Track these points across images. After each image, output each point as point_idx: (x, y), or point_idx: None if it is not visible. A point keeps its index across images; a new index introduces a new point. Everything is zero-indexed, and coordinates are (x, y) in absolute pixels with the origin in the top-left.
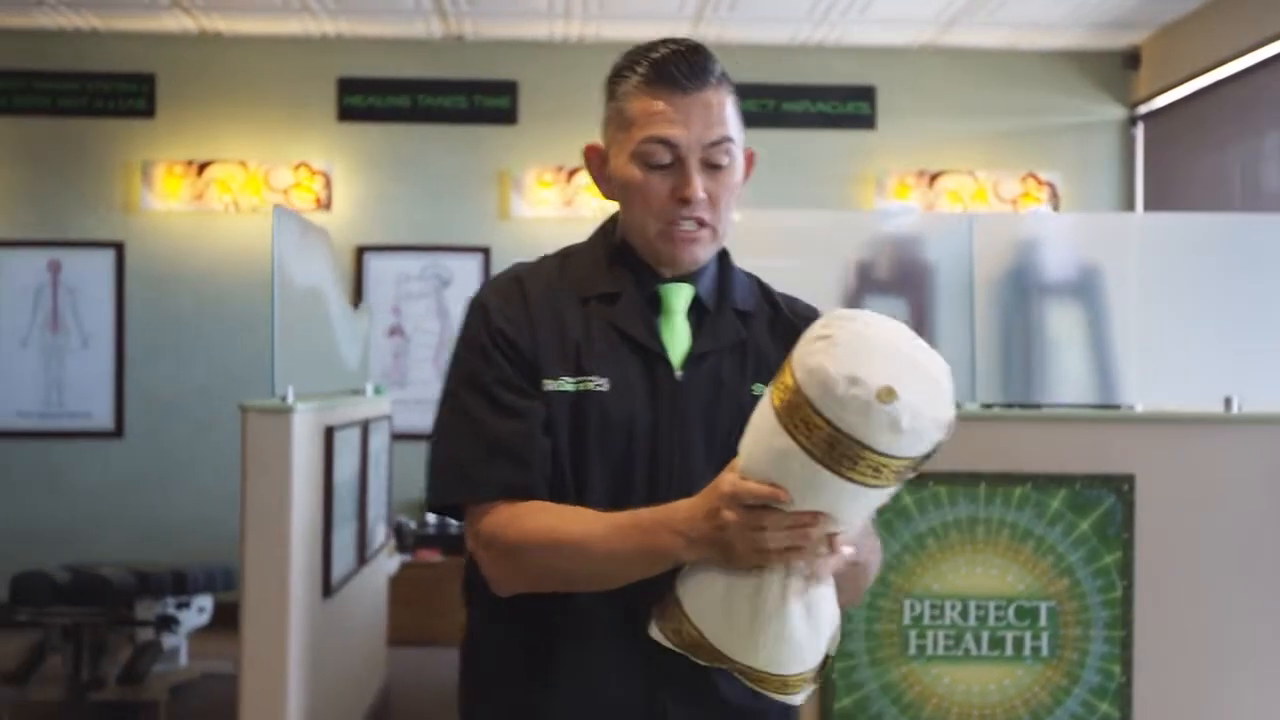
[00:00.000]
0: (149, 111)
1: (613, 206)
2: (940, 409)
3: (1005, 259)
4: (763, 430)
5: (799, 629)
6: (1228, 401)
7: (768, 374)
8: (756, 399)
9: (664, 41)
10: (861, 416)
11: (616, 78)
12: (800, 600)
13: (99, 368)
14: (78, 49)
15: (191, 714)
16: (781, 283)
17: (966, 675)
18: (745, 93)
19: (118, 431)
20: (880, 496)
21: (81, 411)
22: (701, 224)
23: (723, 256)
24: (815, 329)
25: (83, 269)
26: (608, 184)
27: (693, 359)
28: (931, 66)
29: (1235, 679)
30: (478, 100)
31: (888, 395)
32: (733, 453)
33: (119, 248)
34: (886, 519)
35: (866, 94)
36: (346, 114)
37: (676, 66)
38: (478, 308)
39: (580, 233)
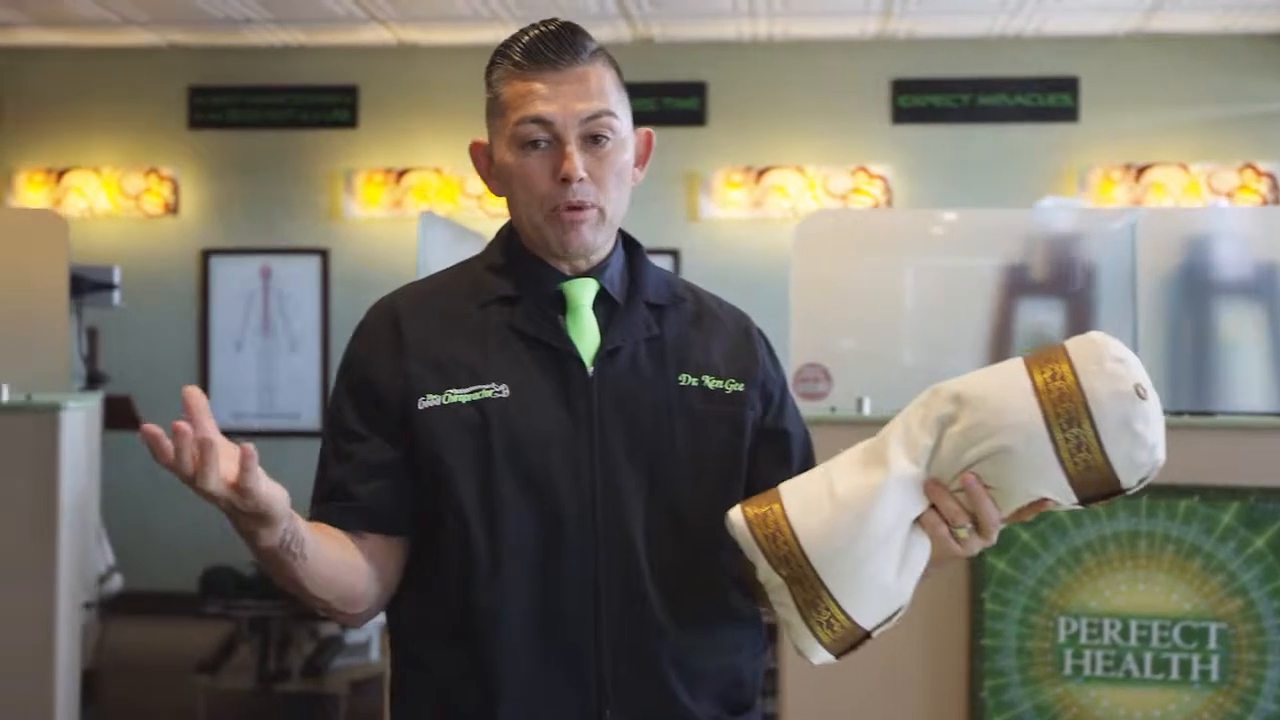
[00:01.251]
0: (351, 122)
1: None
2: (1159, 450)
3: (1172, 257)
4: (1016, 403)
5: (888, 571)
6: None
7: (692, 365)
8: (681, 389)
9: (536, 24)
10: (1115, 401)
11: (491, 66)
12: (904, 546)
13: (306, 370)
14: (285, 64)
15: (372, 709)
16: (929, 285)
17: (1127, 699)
18: (939, 88)
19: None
20: (1046, 488)
21: (290, 412)
22: (586, 204)
23: (634, 249)
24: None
25: (291, 274)
26: (495, 180)
27: (605, 354)
28: (1137, 54)
29: None
30: (666, 102)
31: (1143, 391)
32: (660, 447)
33: (324, 254)
34: (1040, 530)
35: (1069, 85)
36: None
37: (545, 45)
38: (349, 345)
39: (769, 233)
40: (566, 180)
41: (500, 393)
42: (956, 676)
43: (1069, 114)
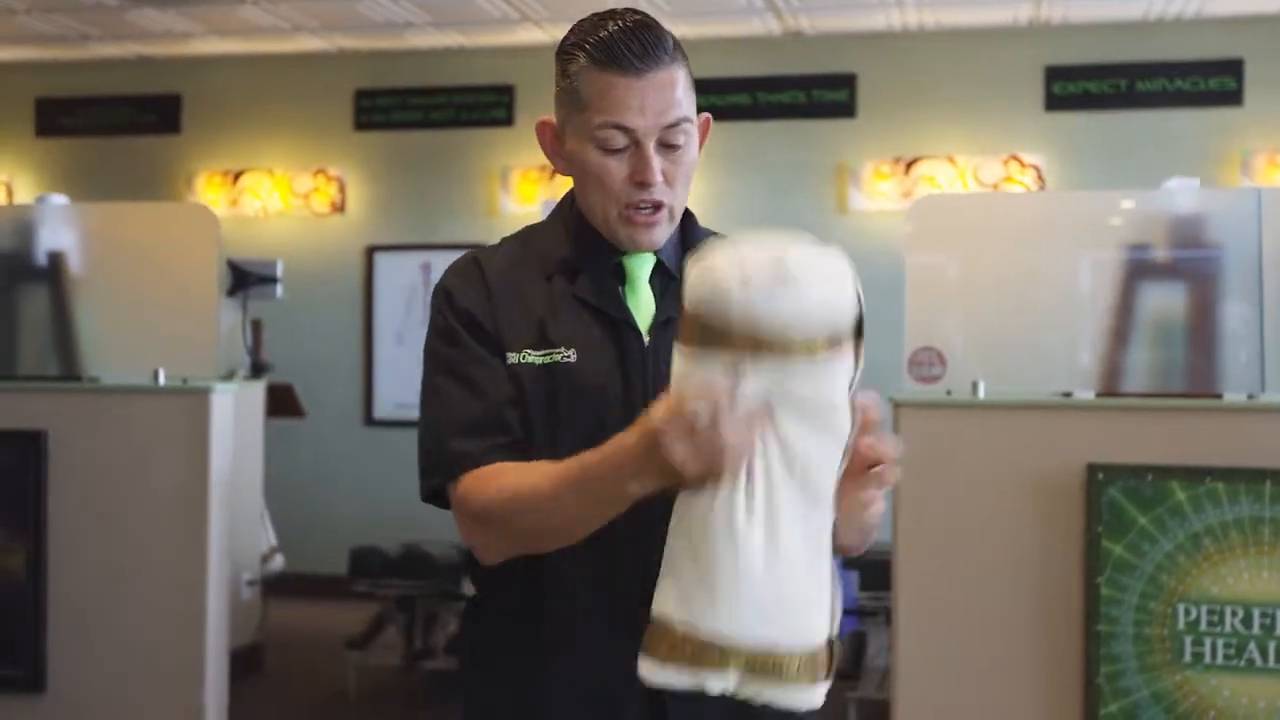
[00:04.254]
0: (508, 120)
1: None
2: (818, 269)
3: None
4: (676, 364)
5: (759, 570)
6: None
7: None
8: None
9: (612, 15)
10: (718, 282)
11: (565, 54)
12: (766, 538)
13: None
14: (444, 66)
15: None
16: (1047, 268)
17: (1251, 688)
18: (1095, 73)
19: None
20: (829, 372)
21: None
22: (658, 206)
23: (687, 219)
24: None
25: None
26: (564, 161)
27: (659, 324)
28: None
29: None
30: (815, 94)
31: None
32: None
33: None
34: (1158, 515)
35: (1233, 67)
36: None
37: (628, 46)
38: (440, 292)
39: None
40: (645, 184)
41: (568, 358)
42: (1072, 662)
43: (1233, 97)
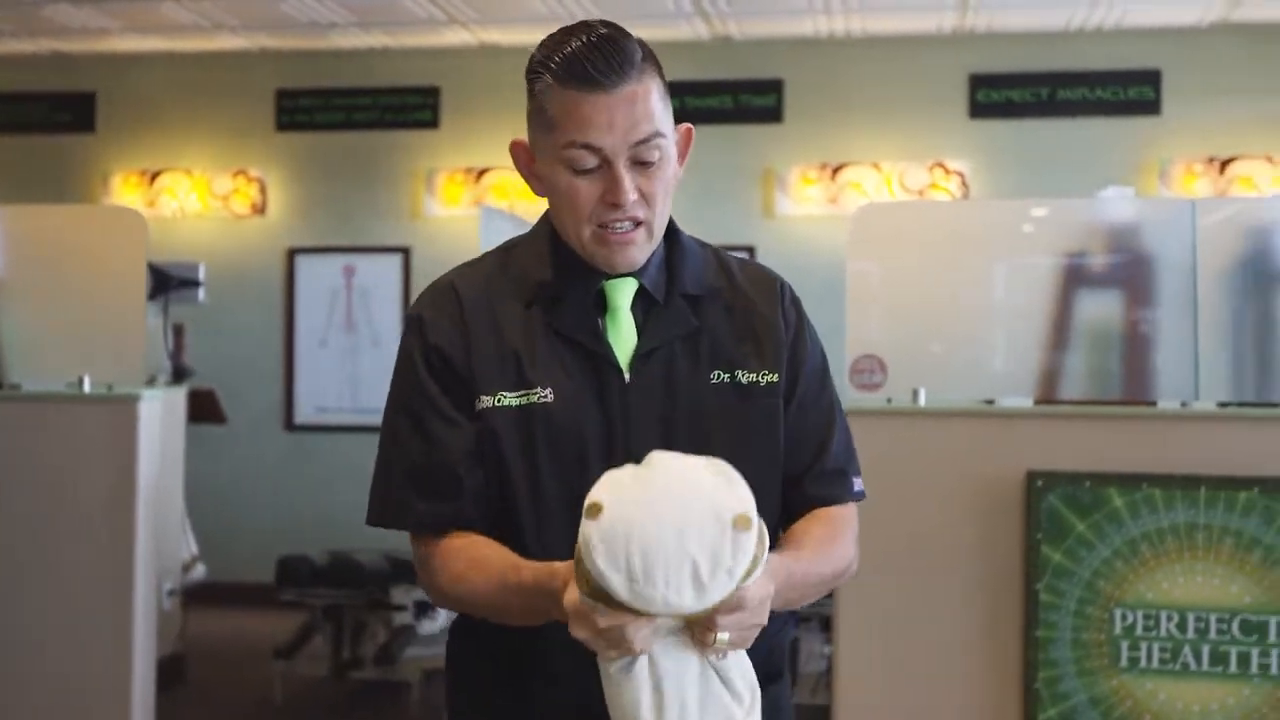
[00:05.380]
0: (433, 122)
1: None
2: (670, 560)
3: (1233, 247)
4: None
5: (697, 705)
6: None
7: (725, 360)
8: (715, 388)
9: (578, 29)
10: (587, 549)
11: (532, 73)
12: (688, 670)
13: (388, 366)
14: (368, 67)
15: (442, 697)
16: (986, 276)
17: (1185, 692)
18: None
19: None
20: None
21: (373, 407)
22: (636, 223)
23: (672, 238)
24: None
25: (373, 272)
26: (537, 182)
27: (640, 357)
28: (1222, 45)
29: None
30: (743, 99)
31: (594, 510)
32: (694, 447)
33: (405, 252)
34: (1095, 522)
35: (1151, 78)
36: None
37: (592, 62)
38: (413, 321)
39: (844, 229)
40: (617, 204)
41: (545, 397)
42: (1011, 668)
43: (1151, 107)
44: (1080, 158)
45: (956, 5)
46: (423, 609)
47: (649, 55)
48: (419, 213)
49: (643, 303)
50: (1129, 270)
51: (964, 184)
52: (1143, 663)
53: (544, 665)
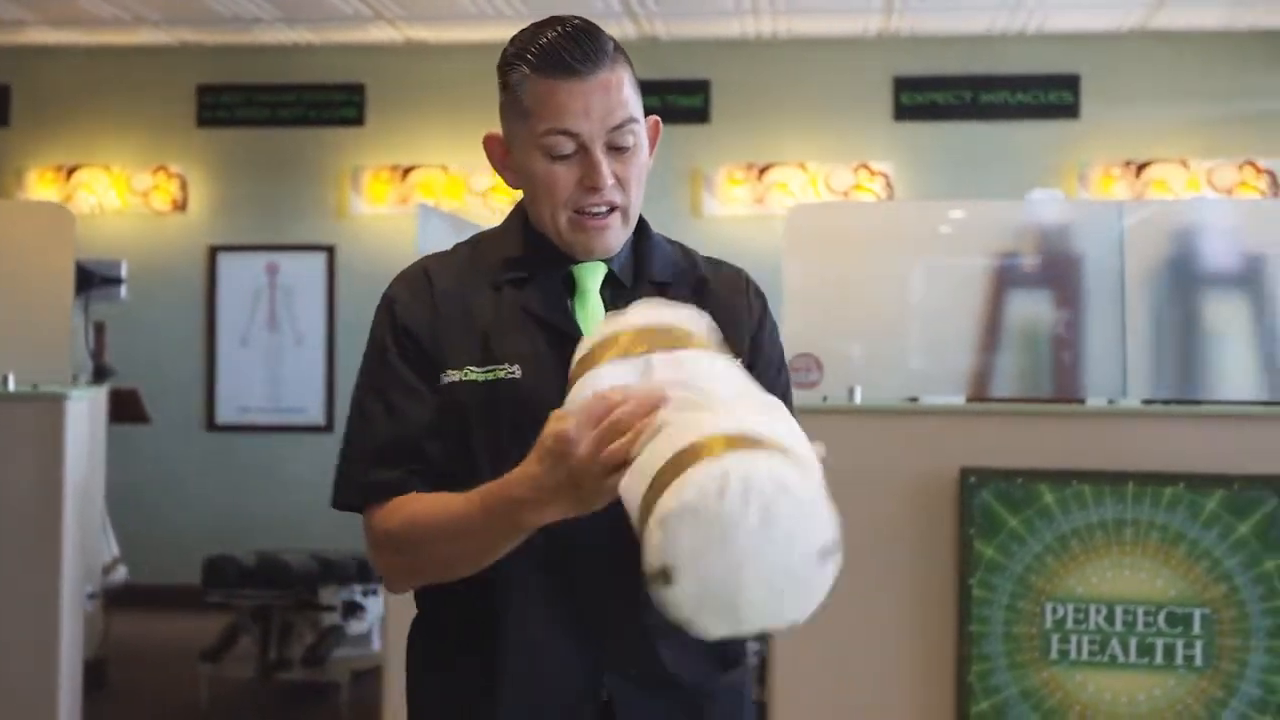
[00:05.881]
0: (359, 120)
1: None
2: (743, 622)
3: (1160, 248)
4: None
5: None
6: None
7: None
8: None
9: (551, 22)
10: (647, 563)
11: (506, 66)
12: None
13: (312, 365)
14: (292, 62)
15: (372, 699)
16: (923, 275)
17: (1113, 683)
18: (941, 85)
19: (328, 426)
20: None
21: (297, 407)
22: (612, 208)
23: (641, 229)
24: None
25: (298, 271)
26: (512, 174)
27: None
28: (1139, 51)
29: None
30: (670, 100)
31: (662, 578)
32: None
33: (330, 250)
34: (1027, 517)
35: (1069, 82)
36: None
37: (568, 51)
38: (384, 302)
39: (771, 229)
40: (595, 189)
41: (512, 373)
42: (944, 661)
43: (1070, 111)
44: (1002, 160)
45: (882, 9)
46: (351, 609)
47: (619, 48)
48: (344, 211)
49: (611, 288)
50: (1058, 271)
51: (888, 185)
52: (1072, 655)
53: (510, 649)
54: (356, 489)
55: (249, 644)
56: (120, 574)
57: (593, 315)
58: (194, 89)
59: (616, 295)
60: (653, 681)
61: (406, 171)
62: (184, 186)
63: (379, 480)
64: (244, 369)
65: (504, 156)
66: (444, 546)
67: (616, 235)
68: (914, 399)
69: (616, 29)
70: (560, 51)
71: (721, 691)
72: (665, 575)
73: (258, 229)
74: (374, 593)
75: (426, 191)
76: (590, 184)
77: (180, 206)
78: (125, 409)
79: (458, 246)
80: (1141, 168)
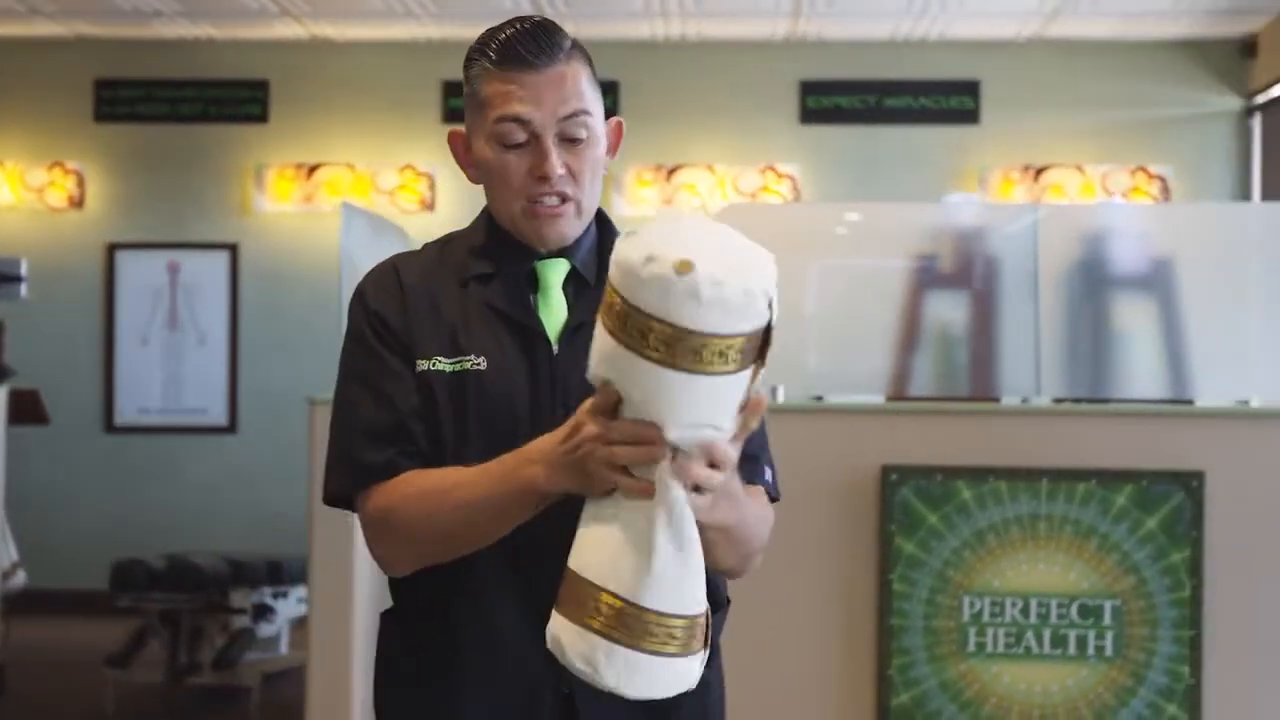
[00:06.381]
0: (263, 116)
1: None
2: (752, 281)
3: (1072, 251)
4: (596, 341)
5: (670, 562)
6: None
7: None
8: None
9: (512, 21)
10: (661, 293)
11: (469, 62)
12: (668, 530)
13: (214, 365)
14: (195, 57)
15: (283, 700)
16: (843, 277)
17: (1027, 674)
18: (846, 89)
19: (231, 427)
20: (723, 387)
21: (198, 408)
22: (564, 199)
23: (606, 227)
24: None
25: (199, 269)
26: (473, 169)
27: (569, 332)
28: (1037, 59)
29: None
30: None
31: (683, 267)
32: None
33: (233, 249)
34: (946, 514)
35: (970, 88)
36: (451, 116)
37: (523, 45)
38: (356, 295)
39: None
40: (545, 178)
41: (478, 365)
42: (865, 655)
43: (970, 116)
44: (905, 164)
45: (789, 13)
46: (261, 612)
47: (578, 46)
48: (248, 209)
49: (574, 284)
50: (974, 273)
51: (795, 188)
52: (989, 648)
53: (474, 642)
54: (350, 473)
55: (157, 648)
56: (20, 579)
57: (555, 310)
58: (91, 83)
59: (580, 292)
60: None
61: (312, 169)
62: (81, 183)
63: (372, 462)
64: (144, 369)
65: (466, 152)
66: (444, 516)
67: (570, 225)
68: (819, 398)
69: None
70: (516, 45)
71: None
72: (685, 264)
73: (158, 227)
74: (284, 595)
75: (333, 190)
76: (540, 173)
77: (77, 203)
78: (25, 410)
79: (426, 246)
80: (1039, 172)
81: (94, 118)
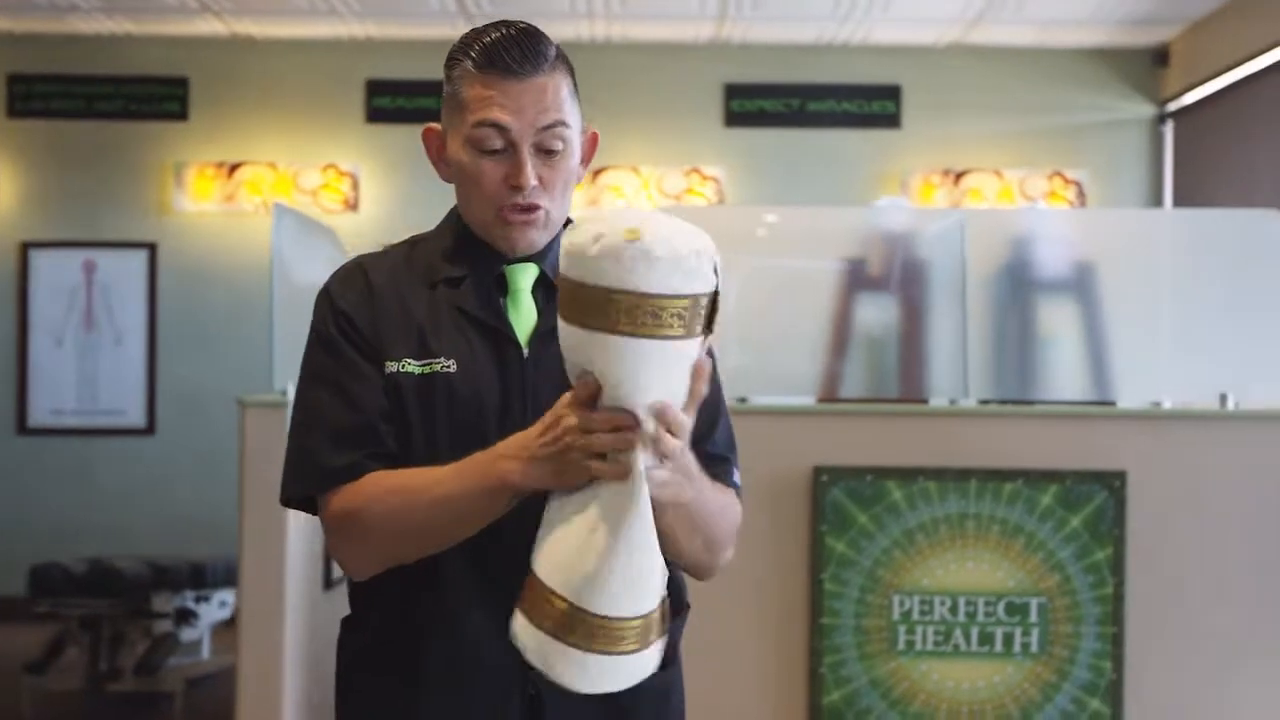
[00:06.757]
0: (182, 114)
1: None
2: (698, 243)
3: (999, 255)
4: (561, 338)
5: (643, 560)
6: (1223, 398)
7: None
8: None
9: (498, 24)
10: (615, 262)
11: (451, 61)
12: (625, 531)
13: (132, 366)
14: (113, 53)
15: (207, 706)
16: (773, 280)
17: (955, 671)
18: (770, 93)
19: (149, 429)
20: (686, 351)
21: (115, 409)
22: (535, 209)
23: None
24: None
25: (117, 269)
26: (446, 167)
27: (539, 335)
28: (957, 65)
29: (1227, 675)
30: None
31: (631, 234)
32: None
33: (152, 248)
34: (876, 514)
35: (892, 93)
36: (374, 115)
37: (508, 51)
38: (322, 295)
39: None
40: (518, 187)
41: (448, 367)
42: (797, 654)
43: (892, 120)
44: (828, 167)
45: (715, 16)
46: (183, 616)
47: (562, 56)
48: (167, 208)
49: (543, 288)
50: (904, 276)
51: (719, 190)
52: (918, 646)
53: (438, 645)
54: (312, 475)
55: (77, 655)
56: None
57: (525, 314)
58: (5, 78)
59: (548, 296)
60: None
61: (233, 168)
62: None
63: (337, 465)
64: (58, 370)
65: (440, 150)
66: (417, 514)
67: (539, 234)
68: (743, 399)
69: (450, 29)
70: (501, 51)
71: (649, 690)
72: (633, 231)
73: (74, 225)
74: (206, 599)
75: (254, 189)
76: (514, 182)
77: None
78: None
79: (390, 248)
80: (959, 176)
81: (7, 114)
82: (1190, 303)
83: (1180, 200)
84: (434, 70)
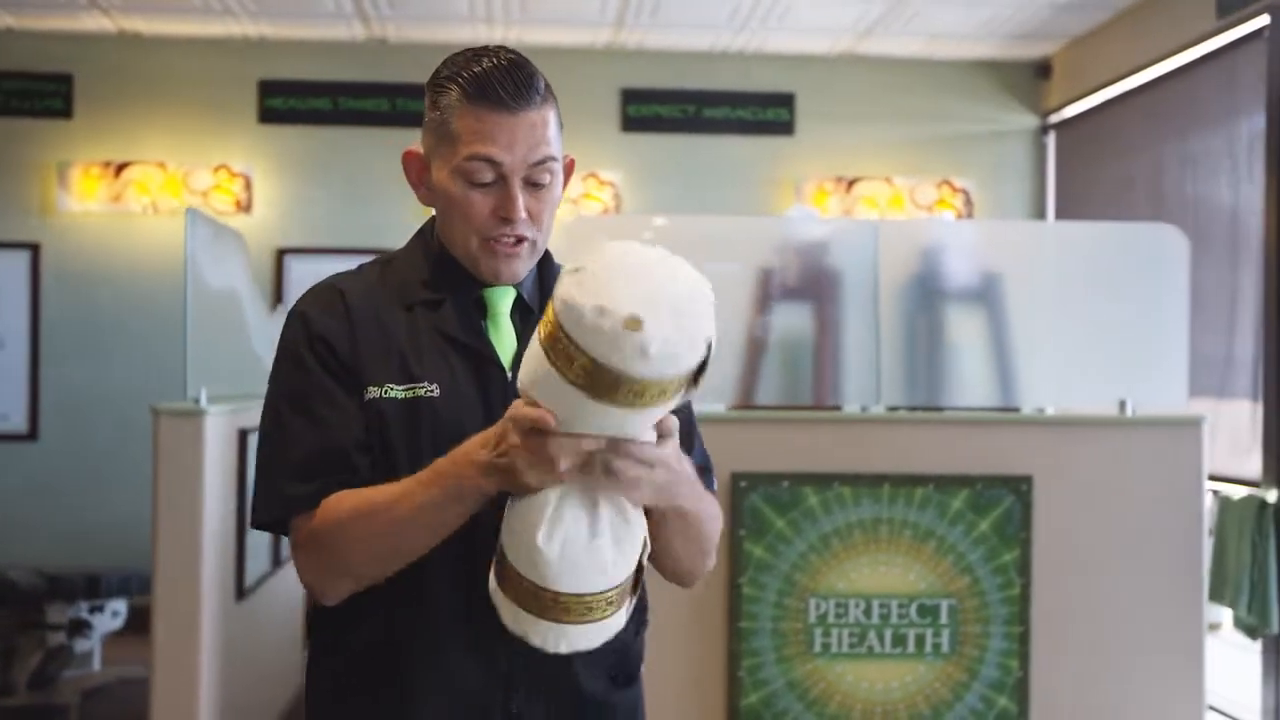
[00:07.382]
0: (66, 112)
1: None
2: (695, 330)
3: (909, 265)
4: (533, 362)
5: (582, 548)
6: (1122, 404)
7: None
8: None
9: (485, 52)
10: (611, 345)
11: (438, 86)
12: (584, 516)
13: (13, 370)
14: None
15: (103, 718)
16: None
17: (870, 672)
18: (666, 98)
19: (32, 434)
20: (655, 416)
21: None
22: (522, 240)
23: (544, 259)
24: (574, 262)
25: None
26: (427, 191)
27: (520, 358)
28: (849, 74)
29: (1128, 672)
30: (400, 103)
31: (633, 324)
32: None
33: (35, 249)
34: (793, 518)
35: (785, 101)
36: (267, 116)
37: (501, 84)
38: (296, 316)
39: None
40: (508, 220)
41: (432, 392)
42: (716, 657)
43: (785, 128)
44: (724, 173)
45: (612, 22)
46: (77, 627)
47: (549, 87)
48: (51, 208)
49: (520, 312)
50: (818, 285)
51: (616, 195)
52: (834, 648)
53: (419, 665)
54: (279, 503)
55: None
56: None
57: (505, 337)
58: None
59: (525, 320)
60: (559, 696)
61: (120, 168)
62: None
63: (304, 493)
64: None
65: (421, 173)
66: (387, 528)
67: (524, 264)
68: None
69: (346, 30)
70: (494, 83)
71: (620, 707)
72: (635, 322)
73: None
74: (100, 610)
75: (142, 189)
76: (504, 215)
77: None
78: None
79: (364, 267)
80: (851, 184)
81: None
82: (1092, 312)
83: (1062, 207)
84: (329, 71)
